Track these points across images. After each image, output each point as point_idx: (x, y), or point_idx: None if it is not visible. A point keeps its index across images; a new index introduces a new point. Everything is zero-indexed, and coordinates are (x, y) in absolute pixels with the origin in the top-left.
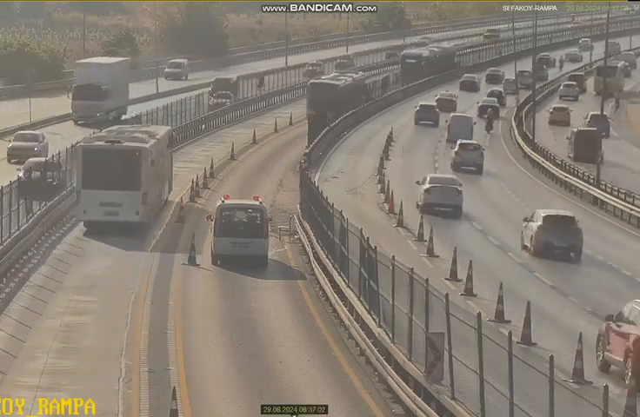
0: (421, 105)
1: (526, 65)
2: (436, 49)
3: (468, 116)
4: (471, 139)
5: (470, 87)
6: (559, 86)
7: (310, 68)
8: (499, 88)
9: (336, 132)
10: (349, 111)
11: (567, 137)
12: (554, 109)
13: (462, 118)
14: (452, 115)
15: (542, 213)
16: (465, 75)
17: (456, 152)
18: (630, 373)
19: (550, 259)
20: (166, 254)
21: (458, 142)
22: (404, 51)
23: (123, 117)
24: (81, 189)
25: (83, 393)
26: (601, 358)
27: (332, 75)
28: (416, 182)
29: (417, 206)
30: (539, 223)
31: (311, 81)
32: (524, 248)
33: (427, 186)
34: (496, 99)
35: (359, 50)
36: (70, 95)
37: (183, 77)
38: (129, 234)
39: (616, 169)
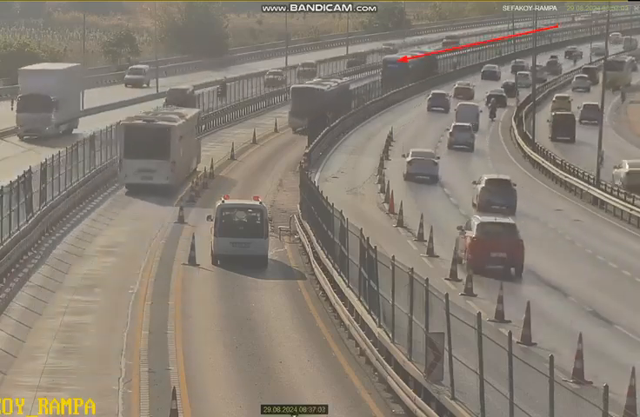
0: (433, 93)
1: (543, 59)
2: (417, 54)
3: (474, 105)
4: (478, 125)
5: (491, 76)
6: (572, 78)
7: (271, 76)
8: (514, 80)
9: (336, 133)
10: (337, 119)
11: (547, 121)
12: (556, 97)
13: (469, 106)
14: (460, 103)
15: (485, 177)
16: (486, 65)
17: (450, 133)
18: (466, 264)
19: (489, 213)
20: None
21: (452, 124)
22: (385, 56)
23: (75, 132)
24: (123, 158)
25: (83, 393)
26: (455, 256)
27: (315, 80)
28: (402, 156)
29: (403, 175)
30: (482, 185)
31: (294, 86)
32: (473, 205)
33: (409, 158)
34: (503, 89)
35: (326, 57)
36: (15, 106)
37: (145, 84)
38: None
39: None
